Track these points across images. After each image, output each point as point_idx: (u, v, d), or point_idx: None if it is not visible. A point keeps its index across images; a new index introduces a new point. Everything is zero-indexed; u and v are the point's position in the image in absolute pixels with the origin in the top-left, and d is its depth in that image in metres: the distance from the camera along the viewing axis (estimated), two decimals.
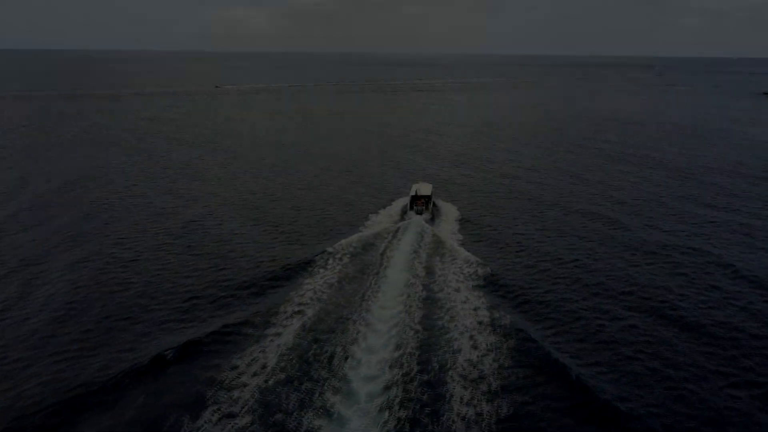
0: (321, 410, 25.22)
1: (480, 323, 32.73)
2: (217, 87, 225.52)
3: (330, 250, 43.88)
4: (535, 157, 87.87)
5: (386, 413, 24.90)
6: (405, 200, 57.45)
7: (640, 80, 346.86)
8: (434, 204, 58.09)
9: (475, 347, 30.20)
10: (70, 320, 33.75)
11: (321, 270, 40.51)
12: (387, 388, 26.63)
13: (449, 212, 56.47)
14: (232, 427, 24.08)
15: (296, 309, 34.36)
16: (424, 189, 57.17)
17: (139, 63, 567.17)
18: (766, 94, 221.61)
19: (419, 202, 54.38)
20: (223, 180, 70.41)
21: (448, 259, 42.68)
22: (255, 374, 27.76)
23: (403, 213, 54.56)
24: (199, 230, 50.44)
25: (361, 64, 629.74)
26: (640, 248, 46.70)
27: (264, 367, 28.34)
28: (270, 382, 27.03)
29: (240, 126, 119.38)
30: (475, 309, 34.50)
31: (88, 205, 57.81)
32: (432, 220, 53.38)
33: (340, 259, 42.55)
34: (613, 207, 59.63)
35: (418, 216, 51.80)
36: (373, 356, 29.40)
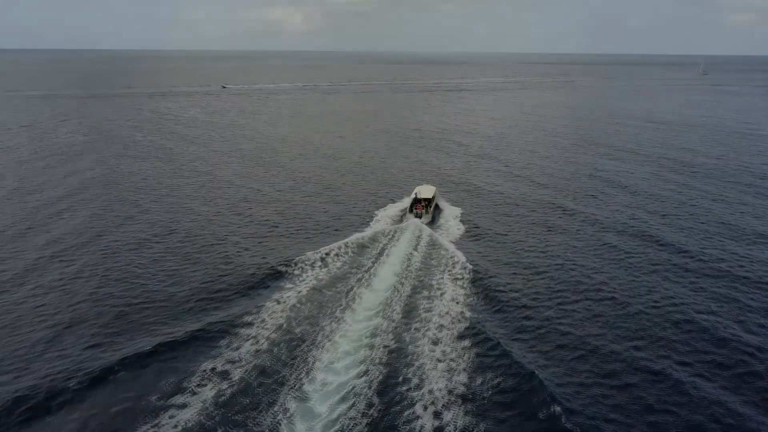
0: (280, 415, 24.97)
1: (460, 336, 31.44)
2: (224, 87, 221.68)
3: (319, 252, 43.43)
4: (562, 160, 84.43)
5: (342, 421, 24.59)
6: (407, 203, 56.63)
7: (683, 80, 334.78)
8: (437, 207, 57.16)
9: (443, 362, 28.99)
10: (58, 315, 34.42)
11: (307, 273, 40.12)
12: (346, 398, 26.08)
13: (453, 215, 55.24)
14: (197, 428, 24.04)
15: (272, 314, 33.99)
16: (426, 192, 56.23)
17: (173, 62, 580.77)
18: None
19: (419, 206, 53.47)
20: (231, 179, 70.88)
21: (440, 264, 41.77)
22: (222, 377, 27.57)
23: (402, 216, 53.79)
24: (197, 231, 50.87)
25: (396, 63, 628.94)
26: (681, 272, 41.84)
27: (229, 370, 28.15)
28: (233, 388, 26.85)
29: (258, 126, 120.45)
30: (458, 320, 33.37)
31: (105, 205, 59.09)
32: (432, 223, 52.53)
33: (328, 262, 42.03)
34: (644, 219, 54.50)
35: (416, 219, 51.06)
36: (340, 364, 28.89)
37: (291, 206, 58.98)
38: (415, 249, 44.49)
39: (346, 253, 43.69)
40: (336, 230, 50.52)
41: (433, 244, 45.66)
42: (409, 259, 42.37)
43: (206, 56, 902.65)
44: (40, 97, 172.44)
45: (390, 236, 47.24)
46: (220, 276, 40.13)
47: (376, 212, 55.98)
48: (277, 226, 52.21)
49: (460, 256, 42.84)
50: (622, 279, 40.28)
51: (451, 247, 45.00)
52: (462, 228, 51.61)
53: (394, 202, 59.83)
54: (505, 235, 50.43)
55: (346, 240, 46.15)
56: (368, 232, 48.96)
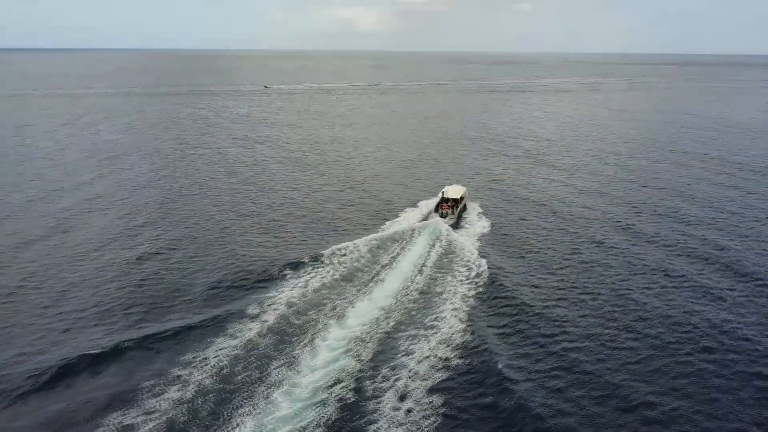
0: (251, 412, 25.09)
1: (457, 347, 30.26)
2: (266, 87, 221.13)
3: (336, 249, 43.70)
4: (628, 169, 77.34)
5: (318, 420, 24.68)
6: (434, 202, 56.00)
7: (765, 81, 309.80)
8: (465, 207, 56.19)
9: (435, 370, 28.21)
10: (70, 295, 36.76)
11: (320, 269, 40.47)
12: (321, 403, 25.72)
13: (481, 217, 53.93)
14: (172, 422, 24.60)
15: (275, 308, 34.60)
16: (454, 192, 55.26)
17: (247, 61, 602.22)
18: None
19: (445, 206, 52.72)
20: (284, 174, 72.73)
21: (451, 269, 40.87)
22: (201, 371, 27.95)
23: (428, 215, 53.24)
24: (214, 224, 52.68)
25: (466, 62, 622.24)
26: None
27: (206, 366, 28.42)
28: (209, 383, 27.09)
29: (311, 125, 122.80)
30: (459, 327, 32.35)
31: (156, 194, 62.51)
32: (457, 223, 51.66)
33: (342, 259, 42.27)
34: (722, 245, 46.96)
35: (440, 219, 50.49)
36: (320, 362, 28.90)
37: (318, 202, 59.83)
38: (431, 250, 43.97)
39: (359, 250, 43.75)
40: (363, 226, 50.81)
41: (450, 246, 44.95)
42: (422, 261, 41.91)
43: (281, 56, 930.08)
44: (154, 94, 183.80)
45: (410, 235, 47.00)
46: (232, 269, 41.22)
47: (405, 210, 55.63)
48: (303, 222, 53.07)
49: (476, 261, 41.73)
50: (660, 313, 34.83)
51: (469, 251, 43.92)
52: (487, 231, 50.22)
53: (423, 200, 59.06)
54: (536, 246, 46.60)
55: (365, 238, 46.29)
56: (388, 231, 48.82)
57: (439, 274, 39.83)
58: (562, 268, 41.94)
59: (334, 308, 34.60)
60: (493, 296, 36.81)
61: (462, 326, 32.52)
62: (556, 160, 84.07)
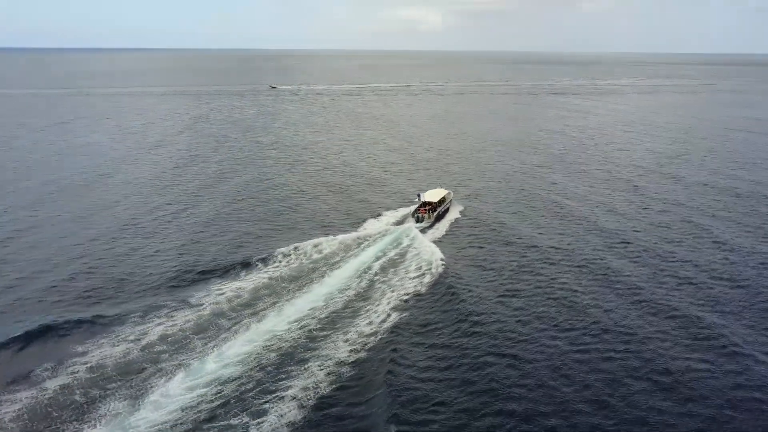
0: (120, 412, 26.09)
1: (355, 362, 30.20)
2: (273, 87, 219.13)
3: (297, 247, 45.33)
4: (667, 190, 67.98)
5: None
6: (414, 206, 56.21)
7: None
8: (447, 211, 56.12)
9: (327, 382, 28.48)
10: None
11: (269, 265, 42.44)
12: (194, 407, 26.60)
13: (461, 223, 53.73)
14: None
15: (201, 302, 36.55)
16: (432, 196, 55.20)
17: (311, 61, 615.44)
18: None
19: (422, 210, 53.01)
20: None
21: (397, 271, 41.44)
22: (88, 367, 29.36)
23: (405, 219, 53.67)
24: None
25: (529, 63, 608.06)
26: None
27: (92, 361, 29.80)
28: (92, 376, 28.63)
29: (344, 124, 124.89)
30: (368, 330, 33.10)
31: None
32: (431, 227, 51.70)
33: (295, 258, 43.74)
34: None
35: (411, 224, 51.05)
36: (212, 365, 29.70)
37: (310, 200, 61.51)
38: (384, 254, 44.55)
39: (319, 251, 44.94)
40: (331, 227, 52.01)
41: (406, 250, 45.52)
42: (368, 265, 42.52)
43: (348, 55, 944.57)
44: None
45: (374, 239, 47.63)
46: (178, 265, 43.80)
47: (385, 213, 56.19)
48: (282, 216, 54.87)
49: (426, 266, 42.06)
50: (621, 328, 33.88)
51: (426, 255, 44.11)
52: (464, 237, 49.93)
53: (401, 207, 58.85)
54: (497, 257, 45.35)
55: (329, 238, 47.47)
56: (360, 232, 49.82)
57: (379, 278, 40.39)
58: (514, 275, 41.47)
59: (261, 308, 35.80)
60: (426, 300, 37.25)
61: (371, 329, 33.42)
62: (595, 167, 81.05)
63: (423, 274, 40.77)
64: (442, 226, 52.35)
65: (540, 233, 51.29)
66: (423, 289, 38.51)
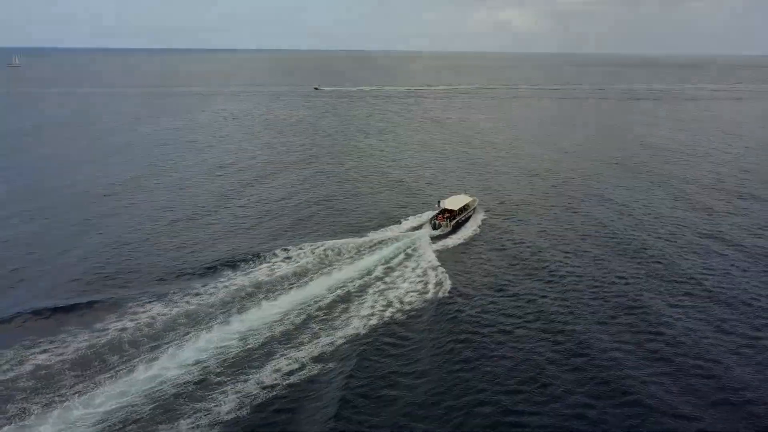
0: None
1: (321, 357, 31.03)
2: (316, 89, 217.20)
3: (295, 247, 46.56)
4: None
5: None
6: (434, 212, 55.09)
7: None
8: (469, 218, 54.75)
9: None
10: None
11: (272, 263, 43.72)
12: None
13: (482, 232, 52.11)
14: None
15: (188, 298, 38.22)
16: (452, 203, 53.76)
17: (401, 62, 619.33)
18: None
19: (441, 217, 52.03)
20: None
21: (397, 283, 40.63)
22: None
23: (422, 224, 52.96)
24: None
25: (629, 66, 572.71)
26: None
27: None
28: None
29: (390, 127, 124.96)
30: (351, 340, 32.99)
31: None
32: (449, 235, 50.61)
33: (296, 259, 44.47)
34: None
35: (427, 230, 50.39)
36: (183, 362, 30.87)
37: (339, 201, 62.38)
38: (390, 260, 44.23)
39: (318, 255, 45.41)
40: (348, 229, 52.45)
41: (410, 257, 44.90)
42: (369, 269, 42.53)
43: (448, 56, 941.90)
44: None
45: (384, 244, 47.44)
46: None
47: (405, 219, 55.26)
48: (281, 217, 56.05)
49: (426, 278, 41.19)
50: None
51: (427, 263, 43.42)
52: (479, 247, 48.48)
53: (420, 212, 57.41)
54: (507, 267, 43.77)
55: (338, 242, 48.00)
56: (373, 236, 49.77)
57: (373, 284, 40.21)
58: (517, 296, 39.18)
59: (250, 304, 37.20)
60: (413, 309, 36.71)
61: (343, 334, 33.72)
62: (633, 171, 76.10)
63: (415, 285, 40.04)
64: (460, 235, 50.97)
65: (566, 265, 44.53)
66: (409, 300, 37.84)
